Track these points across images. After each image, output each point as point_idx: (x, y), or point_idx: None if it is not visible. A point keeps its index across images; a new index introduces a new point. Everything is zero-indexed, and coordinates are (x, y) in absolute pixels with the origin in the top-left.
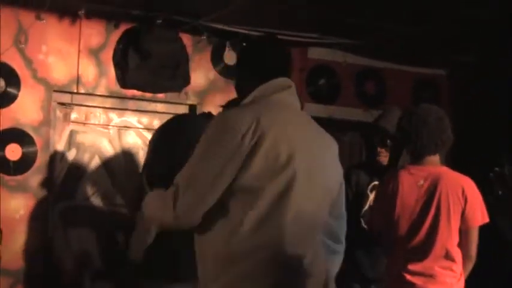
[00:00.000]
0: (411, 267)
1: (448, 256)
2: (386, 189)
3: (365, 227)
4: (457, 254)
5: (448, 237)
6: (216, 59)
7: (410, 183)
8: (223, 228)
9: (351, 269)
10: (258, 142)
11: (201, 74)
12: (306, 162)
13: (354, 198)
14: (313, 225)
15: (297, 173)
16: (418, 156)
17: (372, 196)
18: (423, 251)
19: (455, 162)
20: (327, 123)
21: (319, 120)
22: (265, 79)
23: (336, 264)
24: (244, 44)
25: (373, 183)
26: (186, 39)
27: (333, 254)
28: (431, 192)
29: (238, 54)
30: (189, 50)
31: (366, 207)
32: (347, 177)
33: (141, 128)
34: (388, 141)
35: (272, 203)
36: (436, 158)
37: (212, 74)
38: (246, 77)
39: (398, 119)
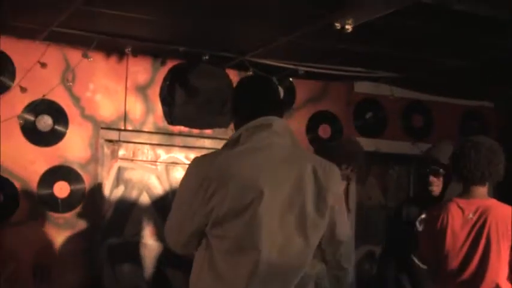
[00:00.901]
0: None
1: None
2: (436, 223)
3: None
4: (506, 287)
5: (498, 271)
6: None
7: (460, 217)
8: (201, 266)
9: None
10: (222, 187)
11: None
12: (276, 199)
13: (406, 232)
14: (295, 258)
15: (262, 211)
16: (466, 187)
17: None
18: (473, 285)
19: (502, 195)
20: (374, 157)
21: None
22: (247, 119)
23: None
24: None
25: (421, 217)
26: (233, 75)
27: (336, 281)
28: (481, 225)
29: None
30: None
31: None
32: (398, 211)
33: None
34: (441, 170)
35: (239, 244)
36: (484, 190)
37: None
38: (234, 117)
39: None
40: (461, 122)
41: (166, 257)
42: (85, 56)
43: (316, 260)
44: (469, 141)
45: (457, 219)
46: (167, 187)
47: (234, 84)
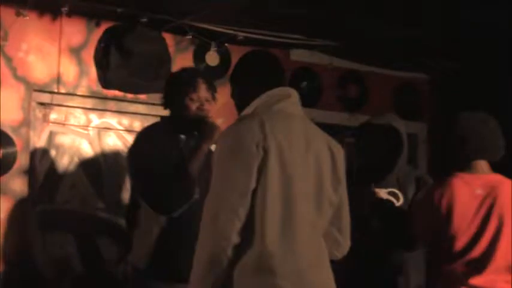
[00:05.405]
0: (472, 281)
1: (511, 269)
2: (438, 199)
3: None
4: None
5: (510, 249)
6: (198, 59)
7: (467, 193)
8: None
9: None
10: (267, 151)
11: None
12: (304, 169)
13: None
14: (315, 228)
15: (295, 179)
16: (470, 161)
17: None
18: (484, 264)
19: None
20: None
21: None
22: (264, 90)
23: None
24: (225, 49)
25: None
26: (169, 38)
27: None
28: (491, 201)
29: (234, 67)
30: (171, 50)
31: None
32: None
33: (121, 130)
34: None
35: (281, 210)
36: (487, 165)
37: None
38: (245, 89)
39: (454, 121)
40: (395, 94)
41: (97, 226)
42: (20, 14)
43: None
44: (473, 116)
45: (463, 195)
46: (99, 153)
47: (171, 48)
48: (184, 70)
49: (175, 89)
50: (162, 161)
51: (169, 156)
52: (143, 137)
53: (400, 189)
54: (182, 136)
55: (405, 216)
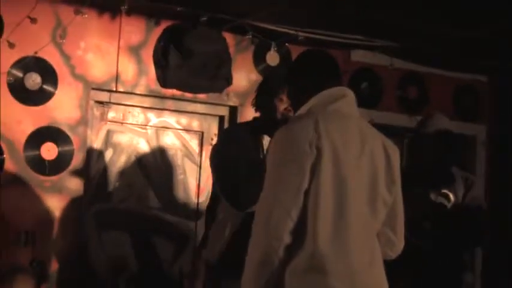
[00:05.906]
0: None
1: None
2: None
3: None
4: None
5: None
6: (259, 59)
7: None
8: (298, 238)
9: None
10: (320, 151)
11: (242, 75)
12: (358, 170)
13: None
14: (368, 228)
15: (349, 179)
16: None
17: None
18: None
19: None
20: None
21: None
22: (320, 89)
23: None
24: (286, 47)
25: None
26: (229, 38)
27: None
28: None
29: (290, 66)
30: (232, 49)
31: None
32: None
33: (179, 129)
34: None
35: (333, 210)
36: None
37: (254, 75)
38: (300, 88)
39: None
40: (455, 95)
41: (152, 225)
42: (78, 12)
43: None
44: None
45: None
46: (156, 152)
47: (231, 48)
48: (276, 70)
49: (266, 89)
50: (243, 159)
51: (250, 155)
52: (229, 135)
53: (450, 190)
54: (267, 137)
55: (455, 217)
